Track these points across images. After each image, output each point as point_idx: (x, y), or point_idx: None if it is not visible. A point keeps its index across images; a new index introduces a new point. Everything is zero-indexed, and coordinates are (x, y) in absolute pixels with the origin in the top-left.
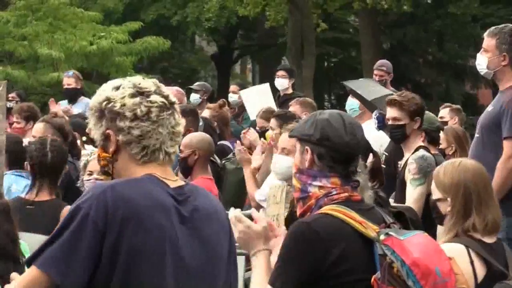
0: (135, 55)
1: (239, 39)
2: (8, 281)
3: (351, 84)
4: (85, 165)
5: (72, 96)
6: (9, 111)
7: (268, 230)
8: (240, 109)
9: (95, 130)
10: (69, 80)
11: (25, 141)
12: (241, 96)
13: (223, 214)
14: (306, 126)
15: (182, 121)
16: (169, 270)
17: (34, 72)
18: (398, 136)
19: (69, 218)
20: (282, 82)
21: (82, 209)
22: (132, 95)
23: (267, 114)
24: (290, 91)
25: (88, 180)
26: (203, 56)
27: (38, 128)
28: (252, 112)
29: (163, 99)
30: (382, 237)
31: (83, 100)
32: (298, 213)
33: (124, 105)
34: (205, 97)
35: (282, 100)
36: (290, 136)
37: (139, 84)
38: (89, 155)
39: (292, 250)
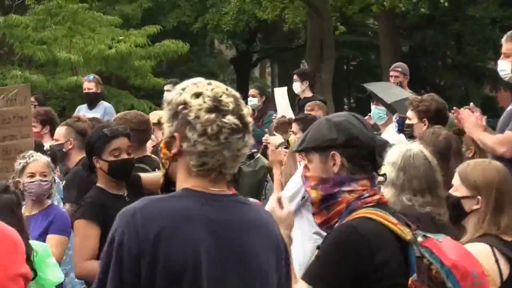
0: (154, 59)
1: (258, 42)
2: None
3: (372, 86)
4: (24, 167)
5: (92, 100)
6: None
7: (293, 216)
8: (260, 113)
9: (166, 124)
10: (89, 84)
11: (46, 145)
12: (275, 94)
13: (272, 229)
14: (323, 133)
15: (251, 142)
16: (204, 282)
17: (53, 76)
18: (406, 135)
19: (109, 247)
20: (295, 86)
21: (115, 238)
22: (209, 110)
23: (283, 126)
24: (309, 94)
25: (31, 182)
26: (222, 60)
27: (60, 132)
28: (280, 112)
29: (237, 121)
30: (420, 239)
31: (103, 104)
32: (319, 222)
33: (198, 117)
34: None
35: (301, 103)
36: (302, 151)
37: (220, 97)
38: (28, 157)
39: (336, 253)
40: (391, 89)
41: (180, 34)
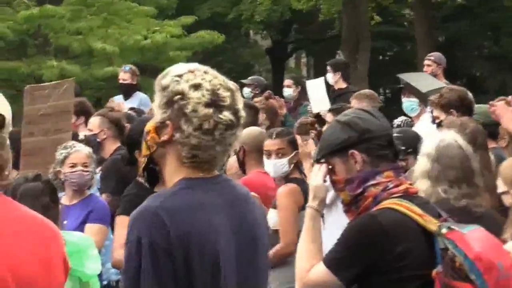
0: (189, 50)
1: (294, 32)
2: None
3: (407, 77)
4: (65, 158)
5: (127, 91)
6: None
7: (323, 191)
8: (295, 103)
9: (159, 110)
10: (124, 75)
11: (81, 135)
12: (307, 87)
13: (255, 200)
14: (336, 135)
15: (240, 136)
16: (234, 265)
17: (88, 66)
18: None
19: (136, 253)
20: (328, 77)
21: (142, 240)
22: (207, 105)
23: (304, 127)
24: (343, 85)
25: (72, 172)
26: (257, 50)
27: (95, 122)
28: (314, 105)
29: (232, 117)
30: (444, 230)
31: (138, 95)
32: (351, 219)
33: (195, 111)
34: (257, 91)
35: (335, 94)
36: (321, 159)
37: (218, 90)
38: (70, 147)
39: (356, 241)
40: (426, 79)
41: (215, 24)
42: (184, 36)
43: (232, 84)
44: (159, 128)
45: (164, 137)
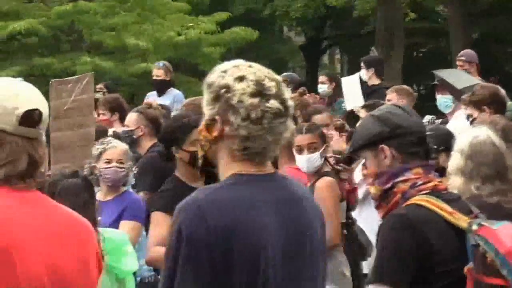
0: (223, 46)
1: (328, 29)
2: None
3: (442, 73)
4: (101, 153)
5: (161, 87)
6: (96, 102)
7: None
8: (330, 99)
9: (207, 107)
10: (158, 71)
11: (110, 131)
12: (342, 84)
13: (313, 199)
14: (368, 129)
15: (292, 127)
16: (278, 265)
17: (122, 62)
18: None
19: (176, 243)
20: (362, 73)
21: (183, 231)
22: (253, 95)
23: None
24: (376, 81)
25: (107, 168)
26: (291, 47)
27: (131, 118)
28: (347, 102)
29: (280, 106)
30: (474, 227)
31: (172, 91)
32: (382, 215)
33: (241, 101)
34: (290, 88)
35: (369, 91)
36: (354, 152)
37: (263, 81)
38: (106, 143)
39: (392, 242)
40: (462, 76)
41: (249, 20)
42: (218, 32)
43: (277, 76)
44: (210, 125)
45: (215, 133)
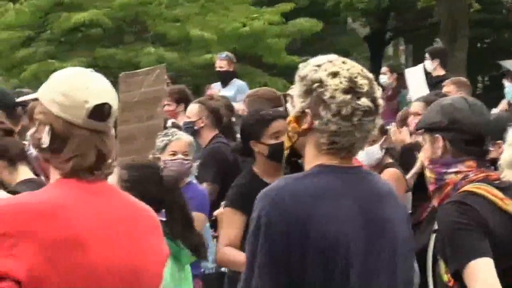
0: (287, 37)
1: (392, 20)
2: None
3: (508, 63)
4: (166, 145)
5: (224, 78)
6: None
7: None
8: (394, 91)
9: (298, 99)
10: (221, 62)
11: (169, 122)
12: (406, 75)
13: (397, 196)
14: (432, 114)
15: (379, 124)
16: (355, 259)
17: (186, 54)
18: None
19: (255, 230)
20: (426, 64)
21: (261, 218)
22: (345, 91)
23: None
24: (441, 72)
25: (173, 160)
26: (355, 38)
27: (193, 110)
28: (412, 93)
29: (370, 104)
30: None
31: (236, 82)
32: (436, 204)
33: (333, 97)
34: None
35: (433, 82)
36: (418, 128)
37: (355, 78)
38: (171, 135)
39: (455, 225)
40: None
41: (313, 11)
42: (282, 24)
43: (369, 74)
44: (299, 117)
45: (305, 126)
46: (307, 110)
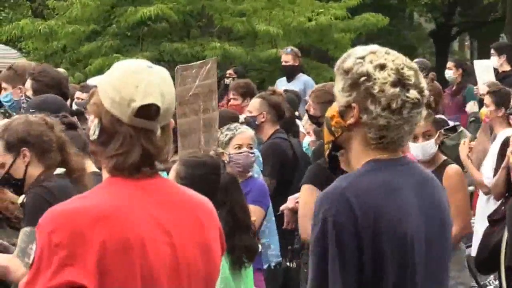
0: (353, 32)
1: (458, 15)
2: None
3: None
4: (230, 139)
5: (290, 73)
6: (226, 87)
7: None
8: (458, 86)
9: (340, 92)
10: (286, 57)
11: (241, 117)
12: (475, 66)
13: (439, 183)
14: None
15: (424, 115)
16: (423, 248)
17: (252, 48)
18: None
19: (322, 232)
20: (492, 60)
21: (328, 219)
22: (394, 84)
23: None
24: (507, 68)
25: (238, 153)
26: (421, 33)
27: (254, 104)
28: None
29: (418, 96)
30: None
31: (301, 77)
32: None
33: (382, 91)
34: (424, 74)
35: (500, 77)
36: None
37: (402, 69)
38: (235, 129)
39: None
40: None
41: (379, 7)
42: (348, 18)
43: (414, 64)
44: (344, 112)
45: (351, 120)
46: (353, 105)
